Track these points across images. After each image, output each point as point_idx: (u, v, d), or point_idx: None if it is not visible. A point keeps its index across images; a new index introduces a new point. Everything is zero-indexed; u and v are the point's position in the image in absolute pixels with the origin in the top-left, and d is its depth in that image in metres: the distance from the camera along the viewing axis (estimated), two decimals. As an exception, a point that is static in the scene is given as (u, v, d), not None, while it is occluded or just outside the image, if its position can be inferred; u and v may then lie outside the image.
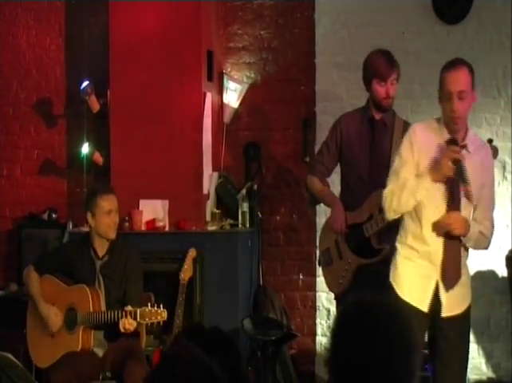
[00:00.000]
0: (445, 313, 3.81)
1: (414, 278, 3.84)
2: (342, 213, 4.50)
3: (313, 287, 6.25)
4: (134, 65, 6.19)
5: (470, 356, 6.08)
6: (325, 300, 6.20)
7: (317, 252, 5.21)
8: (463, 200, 3.78)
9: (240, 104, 6.35)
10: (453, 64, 3.79)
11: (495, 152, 4.33)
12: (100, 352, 4.62)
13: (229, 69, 6.48)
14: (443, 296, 3.80)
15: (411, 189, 3.76)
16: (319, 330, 6.22)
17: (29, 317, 4.80)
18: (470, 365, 5.90)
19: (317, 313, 6.25)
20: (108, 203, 4.68)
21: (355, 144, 4.53)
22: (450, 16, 6.02)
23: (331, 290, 4.71)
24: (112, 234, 4.69)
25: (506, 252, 5.76)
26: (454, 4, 5.99)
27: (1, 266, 6.73)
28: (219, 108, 6.36)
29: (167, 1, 6.12)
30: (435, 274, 3.80)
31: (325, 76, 6.26)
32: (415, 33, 6.08)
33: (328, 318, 6.17)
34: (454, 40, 6.01)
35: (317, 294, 6.24)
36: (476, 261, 5.93)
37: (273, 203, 6.36)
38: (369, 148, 4.49)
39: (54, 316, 4.62)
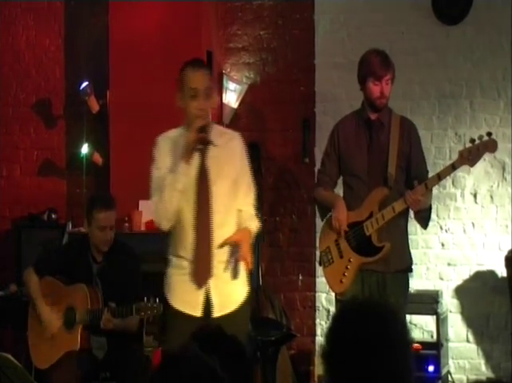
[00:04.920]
0: (216, 313, 3.89)
1: (184, 286, 3.94)
2: (343, 209, 4.48)
3: (312, 288, 6.25)
4: (134, 66, 6.19)
5: (469, 356, 6.10)
6: (325, 300, 6.20)
7: (317, 253, 5.20)
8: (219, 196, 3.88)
9: (239, 105, 6.35)
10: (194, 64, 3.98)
11: (494, 145, 4.27)
12: (100, 354, 4.61)
13: (228, 70, 6.48)
14: (215, 297, 3.88)
15: (170, 183, 3.83)
16: (318, 331, 6.22)
17: (30, 319, 4.78)
18: (469, 366, 5.95)
19: (317, 313, 6.25)
20: (103, 220, 4.60)
21: (352, 146, 4.53)
22: (449, 16, 6.03)
23: (332, 289, 4.69)
24: (104, 248, 4.66)
25: (505, 252, 5.76)
26: (453, 4, 6.00)
27: (0, 267, 6.72)
28: (219, 108, 6.35)
29: (167, 2, 6.13)
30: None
31: (325, 77, 6.27)
32: (414, 33, 6.08)
33: (328, 319, 6.16)
34: (454, 41, 6.02)
35: (317, 294, 6.24)
36: (476, 261, 5.95)
37: (273, 204, 6.36)
38: (367, 149, 4.49)
39: (54, 320, 4.60)
